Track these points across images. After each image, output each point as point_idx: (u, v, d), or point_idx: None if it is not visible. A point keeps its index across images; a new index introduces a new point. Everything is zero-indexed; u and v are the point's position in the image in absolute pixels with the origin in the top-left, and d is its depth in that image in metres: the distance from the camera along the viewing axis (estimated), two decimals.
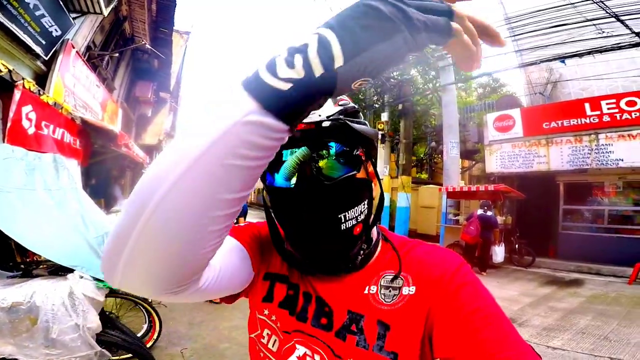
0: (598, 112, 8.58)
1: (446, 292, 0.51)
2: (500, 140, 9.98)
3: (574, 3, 8.11)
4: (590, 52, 9.00)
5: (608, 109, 8.45)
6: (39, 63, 4.40)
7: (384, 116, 11.71)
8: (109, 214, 3.64)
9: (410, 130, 11.81)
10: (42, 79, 4.49)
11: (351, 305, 0.56)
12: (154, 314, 2.88)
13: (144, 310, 2.93)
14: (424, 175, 17.56)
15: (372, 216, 0.59)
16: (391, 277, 0.57)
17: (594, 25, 8.12)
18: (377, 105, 13.30)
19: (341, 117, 0.53)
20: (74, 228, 2.32)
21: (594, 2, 7.50)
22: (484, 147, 10.45)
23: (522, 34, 9.55)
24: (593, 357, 3.22)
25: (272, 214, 0.60)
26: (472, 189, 8.67)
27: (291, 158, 0.53)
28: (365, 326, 0.54)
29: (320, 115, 0.52)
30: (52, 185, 2.48)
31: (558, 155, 8.95)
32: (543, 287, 6.16)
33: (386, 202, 8.41)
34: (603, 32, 9.25)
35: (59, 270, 2.11)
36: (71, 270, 1.99)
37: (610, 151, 8.22)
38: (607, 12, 7.57)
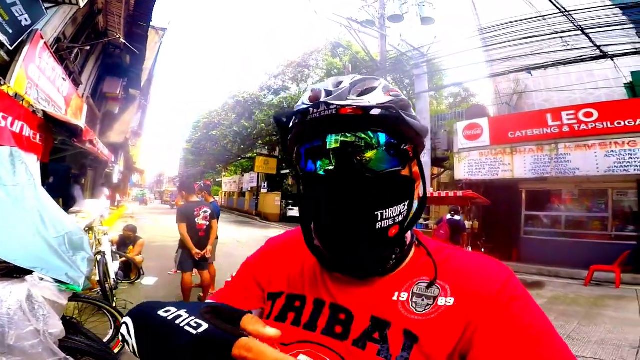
0: (558, 123, 9.04)
1: (494, 307, 0.46)
2: (469, 149, 10.36)
3: (544, 16, 8.53)
4: (554, 64, 9.55)
5: (567, 119, 8.91)
6: (2, 52, 4.14)
7: None
8: (69, 214, 3.44)
9: None
10: (3, 69, 4.23)
11: (376, 311, 0.52)
12: (119, 319, 2.73)
13: (109, 314, 2.78)
14: None
15: (410, 219, 0.55)
16: (426, 284, 0.52)
17: (560, 37, 8.58)
18: None
19: (393, 106, 0.49)
20: (33, 227, 2.16)
21: (563, 15, 7.89)
22: (454, 155, 10.82)
23: (493, 44, 9.95)
24: None
25: (304, 205, 0.57)
26: (442, 194, 8.95)
27: (334, 144, 0.49)
28: (390, 335, 0.49)
29: (369, 102, 0.49)
30: (8, 180, 2.30)
31: (521, 164, 9.40)
32: None
33: None
34: (568, 44, 9.81)
35: (14, 272, 1.95)
36: (29, 272, 1.84)
37: (568, 160, 8.68)
38: (574, 25, 7.99)
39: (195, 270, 4.29)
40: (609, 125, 8.25)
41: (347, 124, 0.49)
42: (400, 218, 0.52)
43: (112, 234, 5.35)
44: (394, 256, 0.55)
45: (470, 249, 7.66)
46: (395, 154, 0.52)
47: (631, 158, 7.86)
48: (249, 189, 27.47)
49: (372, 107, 0.49)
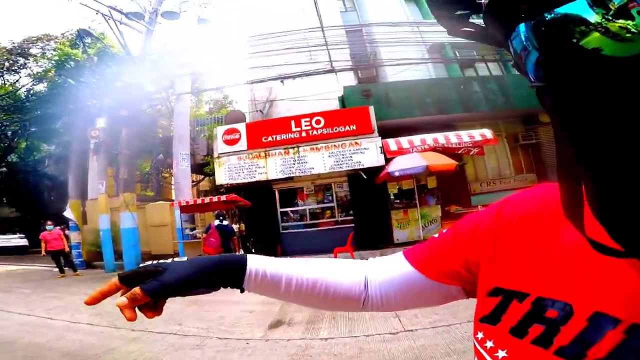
0: (299, 129, 10.47)
1: None
2: (228, 153, 10.42)
3: (300, 30, 9.67)
4: (301, 75, 11.18)
5: (305, 126, 10.46)
6: None
7: (100, 122, 9.52)
8: None
9: (134, 142, 10.27)
10: None
11: None
12: None
13: None
14: (150, 193, 15.98)
15: None
16: None
17: (309, 51, 10.04)
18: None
19: None
20: None
21: (320, 29, 9.16)
22: (214, 160, 10.65)
23: (253, 53, 10.49)
24: (352, 337, 3.72)
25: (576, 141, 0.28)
26: (206, 200, 8.57)
27: None
28: None
29: None
30: None
31: (273, 166, 10.32)
32: None
33: (105, 225, 6.74)
34: (312, 58, 11.66)
35: None
36: None
37: (306, 161, 10.22)
38: (324, 40, 9.49)
39: None
40: (330, 130, 10.33)
41: None
42: None
43: None
44: None
45: (242, 252, 7.67)
46: None
47: (344, 157, 10.06)
48: None
49: None
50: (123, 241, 9.17)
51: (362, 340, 3.61)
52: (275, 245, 10.06)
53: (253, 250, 8.84)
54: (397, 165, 8.45)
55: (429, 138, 9.56)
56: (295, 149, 10.34)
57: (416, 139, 9.66)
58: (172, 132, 11.74)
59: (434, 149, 9.21)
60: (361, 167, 9.79)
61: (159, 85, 13.79)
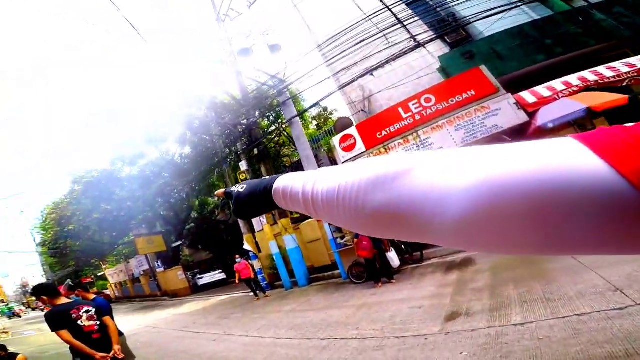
0: (410, 113, 10.13)
1: None
2: (350, 159, 10.80)
3: (369, 16, 9.56)
4: (388, 61, 10.86)
5: (416, 108, 10.07)
6: None
7: (243, 165, 11.35)
8: None
9: (272, 173, 11.79)
10: None
11: None
12: None
13: None
14: (296, 214, 17.93)
15: None
16: None
17: (384, 36, 9.78)
18: (232, 156, 12.83)
19: None
20: None
21: (387, 10, 8.90)
22: None
23: (333, 57, 10.75)
24: (558, 319, 3.35)
25: None
26: None
27: None
28: None
29: None
30: None
31: None
32: (448, 275, 6.53)
33: (275, 250, 7.80)
34: (388, 42, 11.29)
35: None
36: None
37: (431, 142, 9.75)
38: (397, 19, 9.15)
39: None
40: (446, 104, 9.66)
41: None
42: None
43: None
44: None
45: (393, 250, 7.90)
46: None
47: (475, 125, 9.23)
48: (142, 273, 23.57)
49: None
50: (291, 260, 10.62)
51: (574, 321, 3.21)
52: None
53: (403, 247, 8.96)
54: (547, 116, 7.43)
55: (574, 79, 8.12)
56: (414, 134, 10.02)
57: (557, 84, 8.30)
58: (297, 157, 12.94)
59: (586, 89, 7.75)
60: (500, 129, 8.84)
61: (269, 118, 15.39)
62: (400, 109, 10.39)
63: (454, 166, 0.35)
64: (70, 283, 5.10)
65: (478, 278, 5.68)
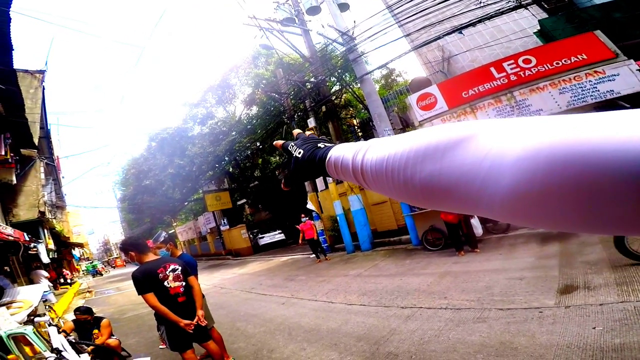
0: (504, 74, 9.23)
1: None
2: (429, 118, 10.01)
3: None
4: (481, 20, 9.74)
5: (512, 69, 9.16)
6: None
7: (311, 122, 10.98)
8: None
9: (340, 131, 11.29)
10: None
11: None
12: None
13: None
14: None
15: None
16: None
17: None
18: (300, 113, 12.54)
19: None
20: None
21: None
22: (416, 128, 10.41)
23: (406, 18, 9.88)
24: None
25: None
26: None
27: None
28: None
29: None
30: None
31: (485, 118, 9.26)
32: (547, 246, 5.75)
33: (339, 210, 7.39)
34: (481, 2, 10.15)
35: None
36: None
37: (529, 104, 8.77)
38: None
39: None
40: (550, 66, 8.80)
41: None
42: None
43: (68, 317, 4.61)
44: None
45: (476, 217, 7.03)
46: None
47: (584, 90, 8.29)
48: (209, 231, 24.93)
49: None
50: (355, 222, 10.17)
51: None
52: None
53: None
54: None
55: None
56: (509, 94, 9.01)
57: None
58: (366, 115, 12.27)
59: None
60: (617, 95, 7.94)
61: (336, 76, 14.73)
62: (492, 69, 9.57)
63: (511, 135, 0.31)
64: (165, 236, 5.02)
65: (588, 251, 4.93)
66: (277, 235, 19.23)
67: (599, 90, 8.19)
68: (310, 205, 11.36)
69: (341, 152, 0.55)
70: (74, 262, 28.46)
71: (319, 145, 0.62)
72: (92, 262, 40.38)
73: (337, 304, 5.29)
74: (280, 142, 0.73)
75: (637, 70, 7.91)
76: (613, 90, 8.04)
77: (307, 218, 10.57)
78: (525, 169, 0.27)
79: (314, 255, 10.63)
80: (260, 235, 19.57)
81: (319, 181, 11.76)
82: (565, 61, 8.65)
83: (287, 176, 0.69)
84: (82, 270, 34.52)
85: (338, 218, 10.63)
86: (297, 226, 10.44)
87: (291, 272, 9.63)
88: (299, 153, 0.64)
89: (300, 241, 10.64)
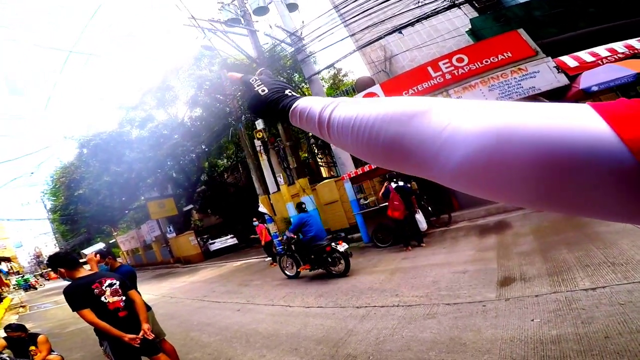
0: (440, 73, 9.73)
1: None
2: None
3: None
4: (418, 20, 10.24)
5: (446, 68, 9.67)
6: None
7: (259, 124, 10.74)
8: None
9: (290, 131, 11.21)
10: None
11: None
12: None
13: None
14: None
15: None
16: None
17: None
18: (248, 115, 12.22)
19: None
20: None
21: None
22: None
23: (351, 18, 10.15)
24: (635, 283, 3.06)
25: None
26: (373, 167, 8.60)
27: None
28: None
29: None
30: None
31: None
32: (485, 238, 6.18)
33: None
34: (419, 2, 10.66)
35: None
36: None
37: None
38: None
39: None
40: (479, 64, 9.38)
41: None
42: None
43: None
44: None
45: (420, 212, 7.44)
46: None
47: (510, 86, 8.94)
48: (154, 239, 23.46)
49: None
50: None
51: None
52: (451, 199, 9.46)
53: (430, 209, 8.48)
54: (591, 80, 7.12)
55: (619, 46, 8.03)
56: (444, 92, 9.60)
57: (601, 50, 8.17)
58: None
59: (633, 57, 7.56)
60: (538, 92, 8.59)
61: (280, 75, 14.62)
62: (429, 68, 10.04)
63: (467, 112, 0.36)
64: (102, 249, 4.66)
65: (521, 241, 5.37)
66: (229, 240, 18.68)
67: (522, 87, 8.86)
68: (262, 208, 11.16)
69: (309, 103, 0.57)
70: (1, 276, 27.04)
71: (286, 92, 0.64)
72: (22, 276, 38.57)
73: (295, 307, 5.27)
74: (238, 74, 0.73)
75: (554, 67, 8.61)
76: (534, 87, 8.73)
77: (259, 222, 10.37)
78: (476, 144, 0.33)
79: (269, 258, 10.48)
80: (210, 241, 18.89)
81: (271, 183, 11.59)
82: (493, 59, 9.23)
83: (249, 105, 0.69)
84: (13, 285, 32.91)
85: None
86: (256, 229, 10.26)
87: (245, 277, 9.39)
88: (262, 91, 0.65)
89: (263, 242, 10.49)
